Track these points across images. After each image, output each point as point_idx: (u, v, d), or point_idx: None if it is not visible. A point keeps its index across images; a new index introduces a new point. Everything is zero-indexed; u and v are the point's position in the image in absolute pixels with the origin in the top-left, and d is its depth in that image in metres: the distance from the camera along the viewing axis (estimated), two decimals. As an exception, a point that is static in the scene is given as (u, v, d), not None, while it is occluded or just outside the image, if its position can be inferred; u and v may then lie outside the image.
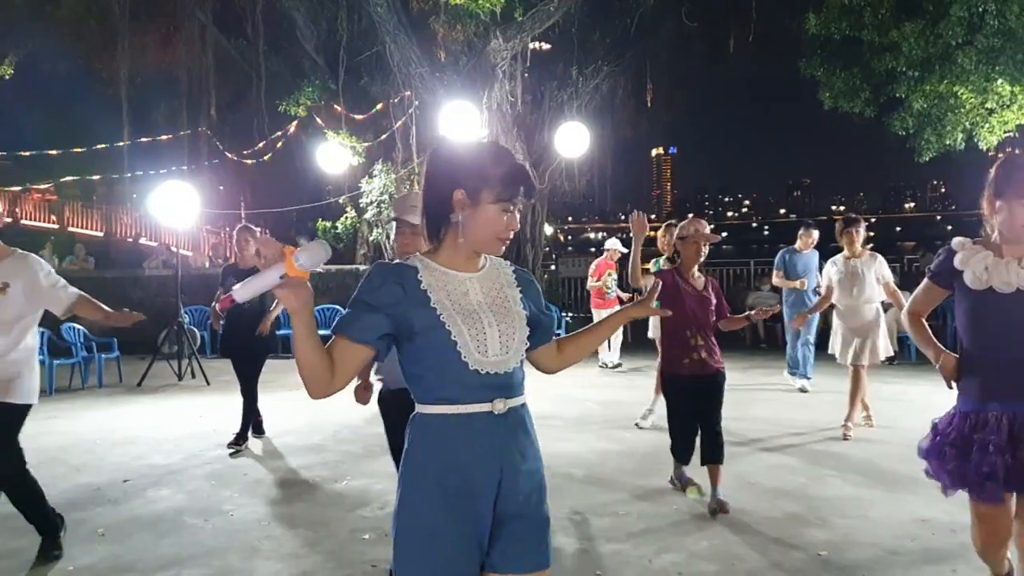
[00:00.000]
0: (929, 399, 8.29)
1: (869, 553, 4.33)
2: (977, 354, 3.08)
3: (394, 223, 3.80)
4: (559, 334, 3.08)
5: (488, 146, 2.21)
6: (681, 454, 5.36)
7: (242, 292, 1.98)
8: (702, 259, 5.20)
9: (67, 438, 7.54)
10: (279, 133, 17.62)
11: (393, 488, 2.13)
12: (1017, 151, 17.31)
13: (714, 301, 5.17)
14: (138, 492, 5.78)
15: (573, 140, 14.51)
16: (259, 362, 7.22)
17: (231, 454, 6.84)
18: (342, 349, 2.03)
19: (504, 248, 2.17)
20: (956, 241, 3.16)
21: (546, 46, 17.52)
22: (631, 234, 5.08)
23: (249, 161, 18.36)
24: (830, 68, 13.29)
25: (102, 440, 7.42)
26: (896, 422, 7.58)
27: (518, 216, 2.16)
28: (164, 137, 19.01)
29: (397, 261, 2.20)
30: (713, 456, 5.16)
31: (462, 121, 13.91)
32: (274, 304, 6.90)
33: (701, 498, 5.27)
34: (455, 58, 15.79)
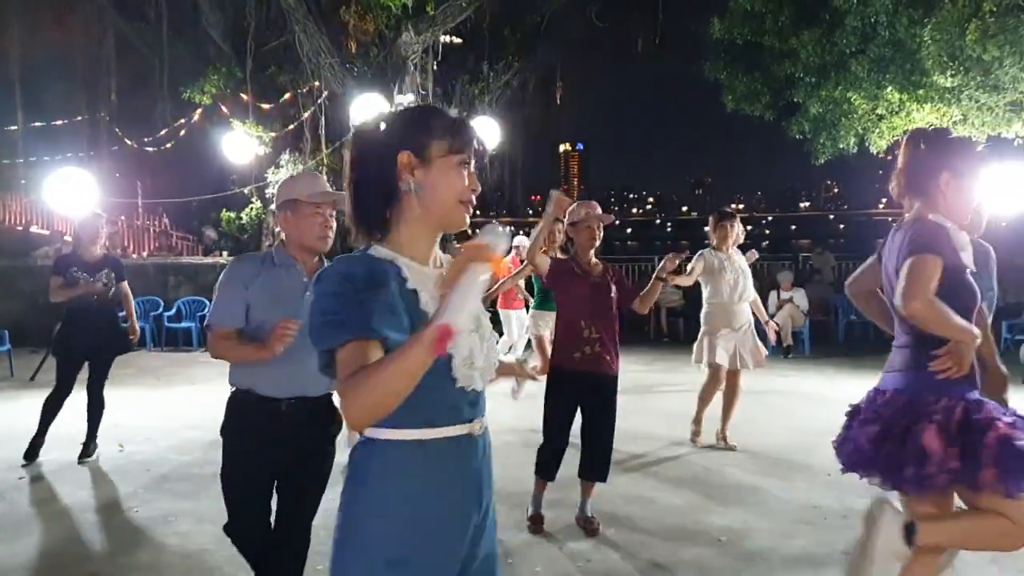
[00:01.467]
0: (821, 392, 8.65)
1: (766, 538, 4.53)
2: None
3: (289, 209, 3.21)
4: None
5: (423, 105, 1.96)
6: (546, 468, 4.69)
7: (460, 319, 1.53)
8: (597, 243, 4.77)
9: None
10: (182, 121, 17.15)
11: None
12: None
13: (614, 291, 4.73)
14: (35, 489, 5.60)
15: (484, 135, 14.56)
16: (110, 364, 6.63)
17: (81, 462, 6.28)
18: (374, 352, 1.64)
19: (468, 217, 1.84)
20: (934, 215, 2.94)
21: (457, 40, 17.55)
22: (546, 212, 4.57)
23: (151, 149, 17.82)
24: (733, 72, 13.71)
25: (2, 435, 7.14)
26: (792, 414, 7.92)
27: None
28: (60, 122, 18.26)
29: (356, 254, 1.81)
30: (594, 471, 4.70)
31: (372, 113, 13.83)
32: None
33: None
34: (366, 50, 15.67)
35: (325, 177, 3.51)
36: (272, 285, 3.16)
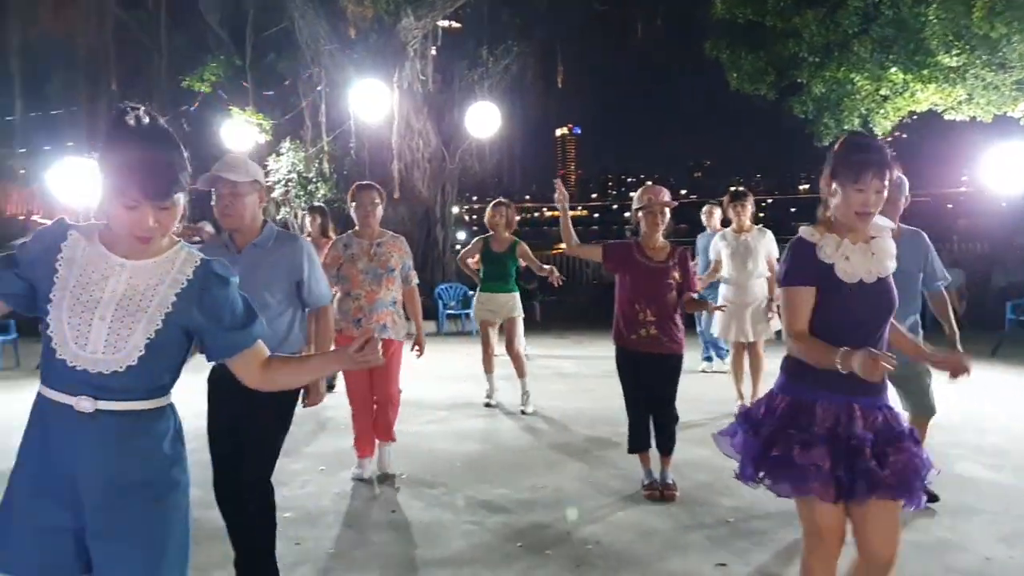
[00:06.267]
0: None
1: (774, 519, 4.53)
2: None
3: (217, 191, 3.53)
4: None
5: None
6: (636, 442, 5.06)
7: None
8: (661, 227, 4.96)
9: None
10: (182, 109, 17.08)
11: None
12: (905, 136, 18.15)
13: (677, 276, 4.92)
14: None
15: (484, 120, 14.50)
16: None
17: None
18: None
19: (145, 249, 2.03)
20: (806, 231, 2.85)
21: (456, 25, 17.46)
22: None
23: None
24: (735, 51, 13.62)
25: (3, 426, 7.12)
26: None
27: (149, 215, 1.95)
28: (60, 111, 18.20)
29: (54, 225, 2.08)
30: (661, 442, 5.05)
31: (372, 100, 13.77)
32: None
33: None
34: (365, 35, 15.58)
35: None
36: None
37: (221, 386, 3.38)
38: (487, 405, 7.61)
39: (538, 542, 4.33)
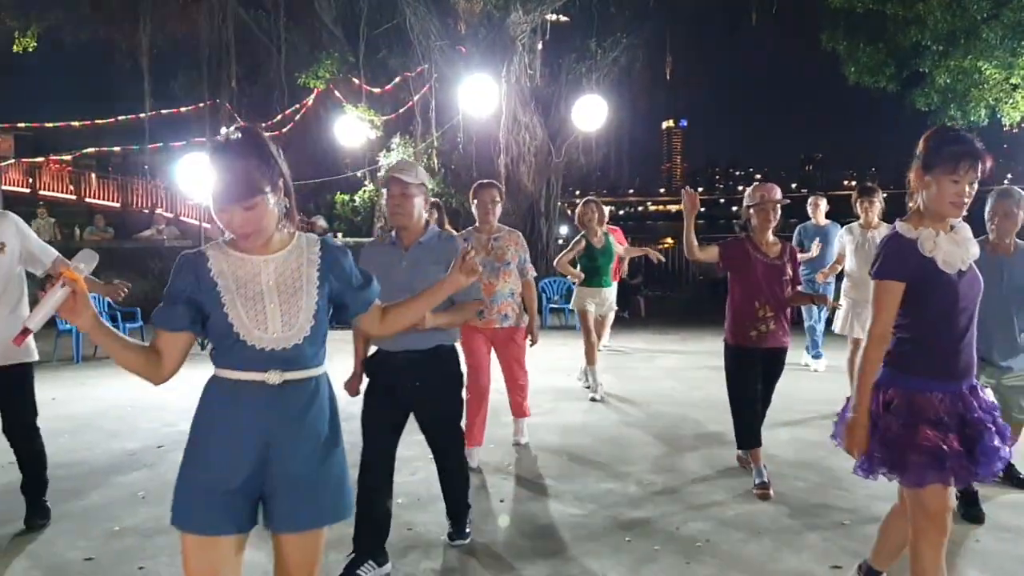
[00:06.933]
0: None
1: (893, 523, 4.42)
2: (926, 337, 2.92)
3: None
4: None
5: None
6: (748, 439, 5.06)
7: (34, 321, 2.08)
8: (773, 224, 4.99)
9: (98, 404, 7.69)
10: (298, 106, 17.64)
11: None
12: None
13: (790, 272, 5.00)
14: (173, 457, 5.88)
15: (591, 114, 14.47)
16: None
17: None
18: (164, 340, 2.35)
19: (254, 243, 2.33)
20: (903, 226, 2.94)
21: (564, 19, 17.43)
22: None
23: (269, 133, 18.37)
24: (853, 42, 13.17)
25: (132, 407, 7.54)
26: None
27: (237, 216, 2.27)
28: (185, 108, 19.04)
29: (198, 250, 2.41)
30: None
31: (481, 95, 13.92)
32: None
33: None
34: (474, 31, 15.75)
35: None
36: None
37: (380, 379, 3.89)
38: (592, 400, 7.63)
39: (646, 537, 4.31)
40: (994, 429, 2.88)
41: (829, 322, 7.95)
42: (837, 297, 7.11)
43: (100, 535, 4.44)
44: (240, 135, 2.28)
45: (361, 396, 3.98)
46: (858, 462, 3.00)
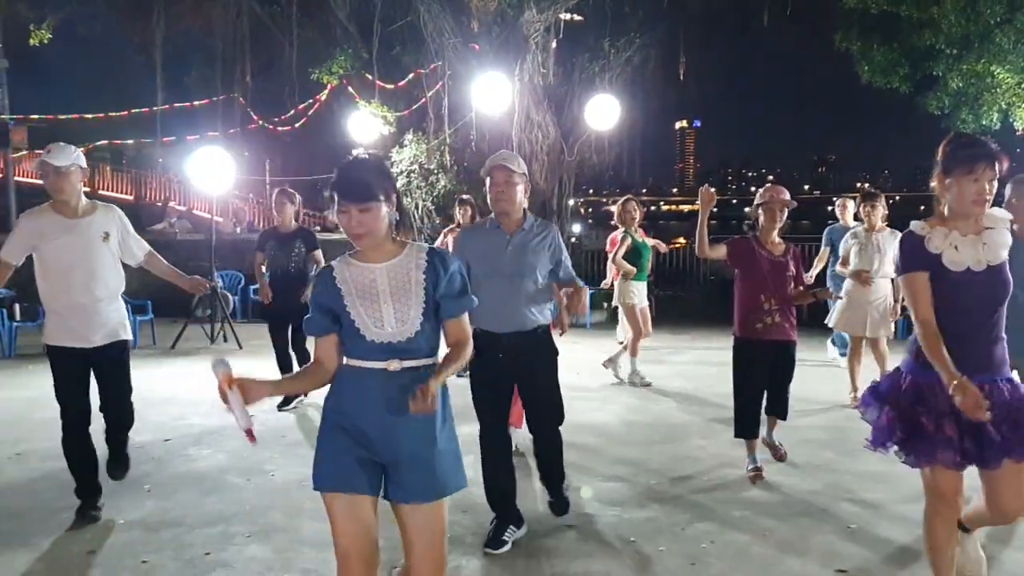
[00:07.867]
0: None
1: (899, 526, 4.41)
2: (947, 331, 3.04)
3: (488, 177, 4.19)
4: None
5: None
6: (747, 429, 5.32)
7: (244, 420, 2.67)
8: (779, 224, 5.26)
9: (108, 397, 7.70)
10: (311, 101, 17.66)
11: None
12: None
13: (792, 270, 5.25)
14: (180, 451, 5.93)
15: (604, 113, 14.45)
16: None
17: (282, 408, 7.17)
18: (318, 344, 2.78)
19: (365, 244, 2.69)
20: (916, 225, 3.17)
21: (578, 18, 17.39)
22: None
23: (282, 128, 18.44)
24: (867, 42, 13.10)
25: (140, 400, 7.42)
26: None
27: (353, 216, 2.61)
28: (199, 102, 19.10)
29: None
30: (776, 410, 5.41)
31: (494, 93, 13.91)
32: (313, 271, 7.02)
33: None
34: (488, 29, 15.72)
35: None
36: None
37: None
38: (642, 384, 8.23)
39: (651, 537, 4.31)
40: (997, 423, 2.95)
41: None
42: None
43: (104, 528, 4.47)
44: (367, 155, 2.76)
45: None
46: (872, 438, 3.22)
